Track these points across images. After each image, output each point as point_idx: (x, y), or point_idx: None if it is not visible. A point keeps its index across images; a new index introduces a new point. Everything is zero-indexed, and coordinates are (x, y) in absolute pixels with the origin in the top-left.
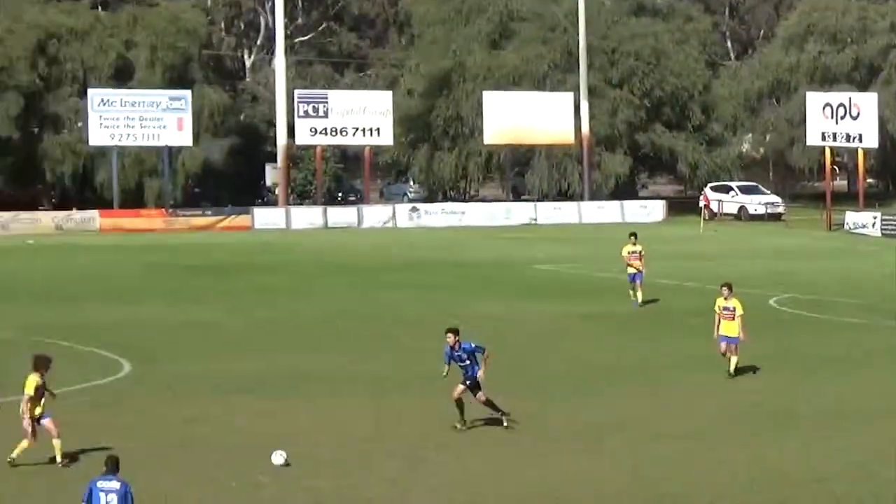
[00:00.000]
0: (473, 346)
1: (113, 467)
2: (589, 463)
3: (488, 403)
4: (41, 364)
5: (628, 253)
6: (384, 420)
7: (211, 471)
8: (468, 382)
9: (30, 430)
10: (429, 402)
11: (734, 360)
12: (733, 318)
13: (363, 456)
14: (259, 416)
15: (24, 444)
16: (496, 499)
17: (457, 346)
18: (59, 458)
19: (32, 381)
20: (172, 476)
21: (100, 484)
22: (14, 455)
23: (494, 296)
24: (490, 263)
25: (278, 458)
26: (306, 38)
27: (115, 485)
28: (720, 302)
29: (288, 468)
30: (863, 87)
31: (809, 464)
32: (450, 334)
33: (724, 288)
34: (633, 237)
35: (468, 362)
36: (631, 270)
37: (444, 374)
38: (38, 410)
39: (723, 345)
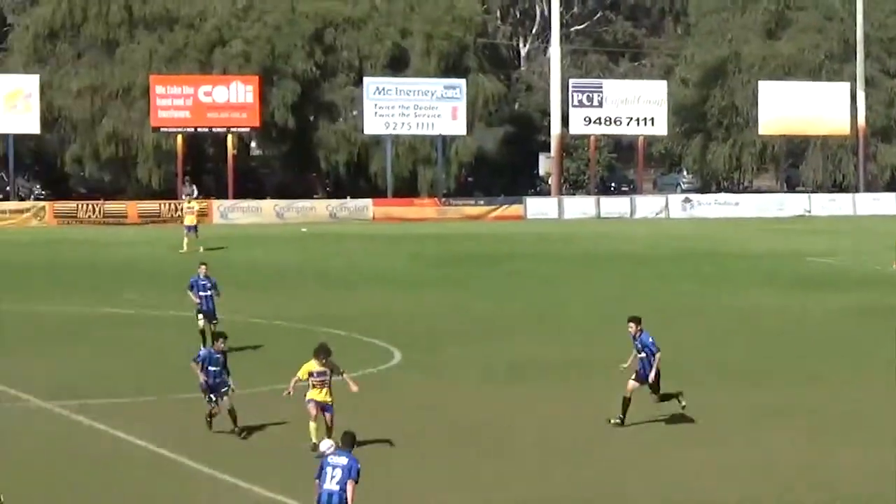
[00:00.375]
0: (651, 340)
1: (348, 443)
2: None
3: (663, 398)
4: (320, 353)
5: None
6: (650, 412)
7: (474, 455)
8: (642, 378)
9: (311, 409)
10: (698, 393)
11: None
12: None
13: (615, 444)
14: (528, 404)
15: (313, 425)
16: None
17: (637, 335)
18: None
19: (307, 367)
20: (445, 460)
21: (330, 459)
22: (314, 440)
23: (766, 287)
24: (763, 255)
25: (326, 445)
26: (582, 26)
27: (343, 460)
28: None
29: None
30: None
31: None
32: (631, 323)
33: None
34: None
35: (643, 355)
36: None
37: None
38: (318, 396)
39: None
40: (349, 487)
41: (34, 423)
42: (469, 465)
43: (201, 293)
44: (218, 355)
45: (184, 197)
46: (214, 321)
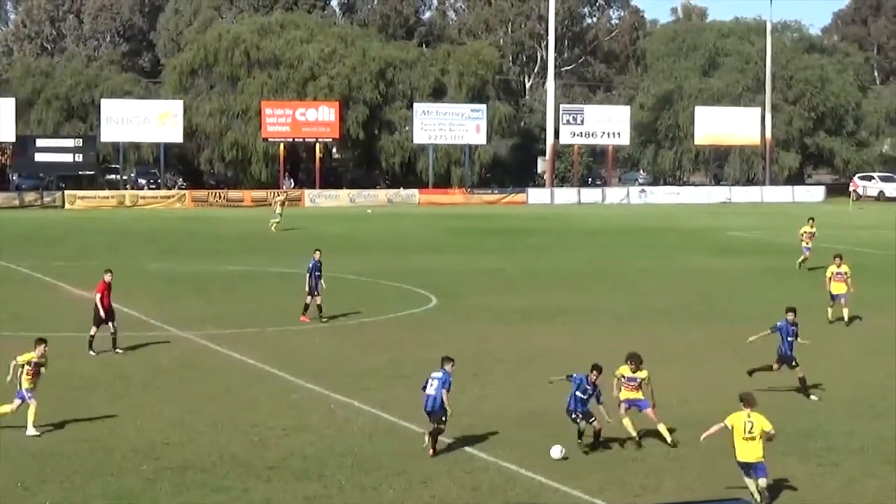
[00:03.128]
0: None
1: (445, 362)
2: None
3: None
4: (631, 359)
5: (803, 233)
6: (621, 344)
7: (499, 377)
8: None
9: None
10: (655, 330)
11: (846, 311)
12: (845, 281)
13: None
14: (531, 337)
15: (627, 421)
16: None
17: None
18: (668, 439)
19: (620, 370)
20: (472, 378)
21: (433, 374)
22: (632, 434)
23: (699, 253)
24: (697, 230)
25: (556, 452)
26: (570, 67)
27: (440, 374)
28: (832, 269)
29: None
30: None
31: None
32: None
33: (836, 258)
34: (810, 220)
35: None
36: (805, 244)
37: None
38: (631, 395)
39: (835, 300)
40: (443, 393)
41: (173, 346)
42: (489, 382)
43: (316, 273)
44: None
45: (283, 187)
46: (318, 294)
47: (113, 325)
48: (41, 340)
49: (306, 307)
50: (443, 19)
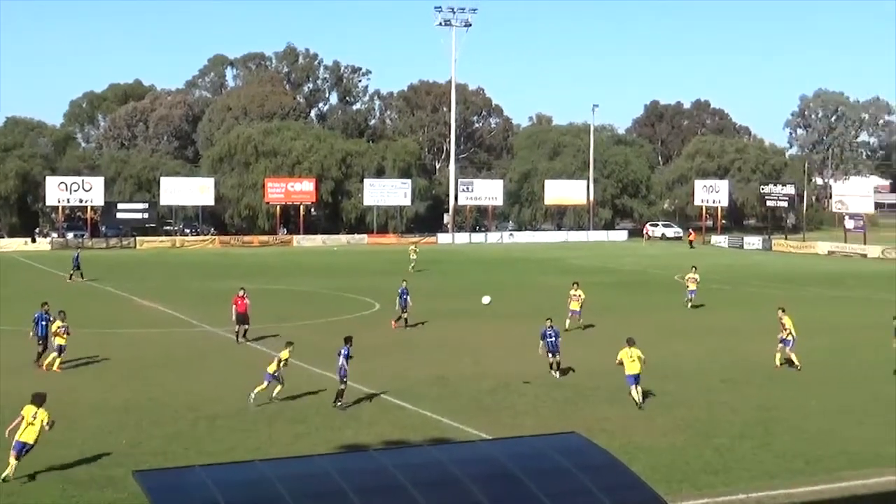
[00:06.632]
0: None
1: (346, 341)
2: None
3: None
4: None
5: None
6: (495, 332)
7: (417, 355)
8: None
9: None
10: (517, 324)
11: (580, 321)
12: (578, 300)
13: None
14: (438, 329)
15: None
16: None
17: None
18: None
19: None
20: (399, 354)
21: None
22: None
23: (548, 273)
24: (546, 259)
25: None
26: (464, 155)
27: (344, 349)
28: (571, 292)
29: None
30: (712, 175)
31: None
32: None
33: (574, 284)
34: (693, 268)
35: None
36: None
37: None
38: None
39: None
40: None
41: (209, 340)
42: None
43: (403, 296)
44: None
45: (279, 233)
46: (405, 311)
47: (244, 328)
48: (289, 343)
49: (398, 317)
50: (383, 124)
